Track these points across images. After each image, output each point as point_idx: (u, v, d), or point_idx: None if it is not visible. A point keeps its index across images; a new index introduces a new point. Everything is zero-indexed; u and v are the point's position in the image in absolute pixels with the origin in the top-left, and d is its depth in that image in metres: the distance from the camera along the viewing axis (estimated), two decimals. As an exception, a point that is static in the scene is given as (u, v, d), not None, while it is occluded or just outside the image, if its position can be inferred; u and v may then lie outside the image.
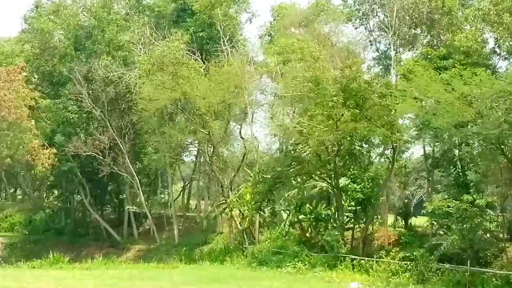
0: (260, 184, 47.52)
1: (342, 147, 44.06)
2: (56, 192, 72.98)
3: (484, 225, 39.64)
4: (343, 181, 44.91)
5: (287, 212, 51.58)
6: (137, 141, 61.05)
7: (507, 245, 39.46)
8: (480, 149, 43.64)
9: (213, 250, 52.50)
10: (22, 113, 46.48)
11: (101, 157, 54.88)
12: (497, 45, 48.99)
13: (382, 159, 53.62)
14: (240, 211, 51.95)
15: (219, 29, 56.94)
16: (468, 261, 36.08)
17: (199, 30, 58.80)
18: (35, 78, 61.91)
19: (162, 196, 73.78)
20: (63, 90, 57.46)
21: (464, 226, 37.14)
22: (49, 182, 68.78)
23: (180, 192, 74.67)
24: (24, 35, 64.44)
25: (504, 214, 44.54)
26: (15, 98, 46.14)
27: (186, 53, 52.03)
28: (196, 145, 62.62)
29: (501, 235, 41.53)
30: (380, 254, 42.40)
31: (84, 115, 57.55)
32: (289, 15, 58.04)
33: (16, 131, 47.79)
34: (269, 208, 51.85)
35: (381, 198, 48.31)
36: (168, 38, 52.10)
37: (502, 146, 37.13)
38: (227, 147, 59.64)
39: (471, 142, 42.83)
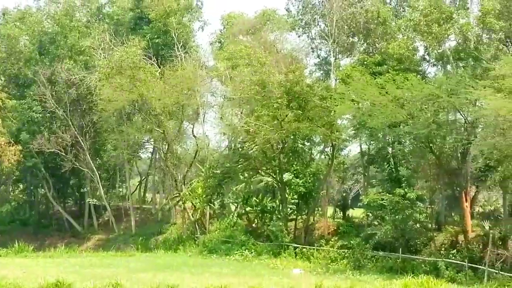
0: (210, 179, 50.16)
1: (286, 145, 47.44)
2: (21, 186, 73.98)
3: (414, 216, 42.39)
4: (286, 176, 48.14)
5: (235, 204, 54.96)
6: (97, 139, 62.71)
7: (435, 234, 42.81)
8: (411, 147, 46.87)
9: (167, 240, 54.49)
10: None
11: (64, 154, 56.51)
12: (426, 52, 51.75)
13: (323, 156, 57.06)
14: (192, 203, 54.57)
15: (173, 36, 59.54)
16: (400, 249, 39.02)
17: (155, 37, 61.09)
18: (1, 80, 63.61)
19: (120, 189, 74.96)
20: (28, 91, 58.83)
21: (396, 217, 40.06)
22: (14, 177, 69.44)
23: (137, 186, 76.49)
24: (-9, 40, 66.74)
25: (432, 206, 49.07)
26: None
27: (143, 58, 53.92)
28: (152, 143, 66.06)
29: (430, 225, 45.47)
30: (320, 243, 45.57)
31: (48, 114, 58.74)
32: (237, 24, 60.05)
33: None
34: (218, 200, 55.59)
35: (321, 192, 51.53)
36: (126, 44, 53.94)
37: (430, 145, 40.46)
38: (181, 144, 62.32)
39: (403, 140, 46.05)
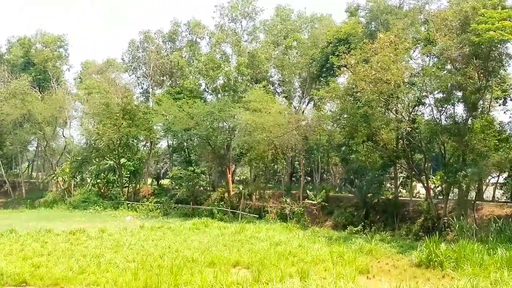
0: (74, 163, 63.40)
1: (122, 142, 60.23)
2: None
3: (200, 183, 55.96)
4: (122, 160, 60.62)
5: (90, 178, 65.30)
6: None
7: (211, 193, 56.03)
8: (197, 142, 58.46)
9: (46, 201, 63.80)
10: None
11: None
12: (206, 86, 64.45)
13: (145, 148, 69.19)
14: (62, 178, 67.26)
15: (50, 74, 73.21)
16: (191, 202, 52.40)
17: (38, 74, 73.83)
18: None
19: (16, 170, 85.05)
20: None
21: (189, 183, 53.48)
22: None
23: (26, 167, 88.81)
24: None
25: (210, 176, 62.60)
26: None
27: (30, 87, 66.52)
28: (36, 140, 77.98)
29: (208, 188, 58.40)
30: (143, 200, 58.94)
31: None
32: (91, 67, 73.89)
33: None
34: (79, 176, 67.66)
35: (144, 169, 64.40)
36: (19, 78, 66.24)
37: (209, 141, 52.76)
38: (55, 141, 73.73)
39: (193, 138, 57.97)
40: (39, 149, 75.36)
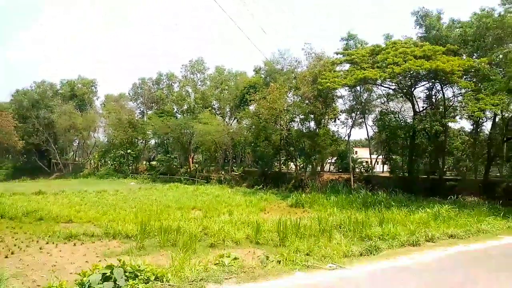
0: (100, 152, 61.65)
1: (128, 140, 57.10)
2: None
3: (173, 163, 53.02)
4: (129, 151, 56.64)
5: (110, 160, 60.05)
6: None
7: (180, 169, 52.61)
8: (172, 140, 54.81)
9: (84, 174, 58.07)
10: None
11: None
12: (177, 110, 58.63)
13: (142, 143, 64.03)
14: (93, 161, 62.19)
15: (86, 101, 66.73)
16: (168, 174, 49.86)
17: (79, 101, 65.86)
18: None
19: (67, 156, 71.84)
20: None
21: (167, 163, 51.34)
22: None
23: (72, 154, 74.78)
24: None
25: (179, 159, 55.96)
26: None
27: (75, 109, 61.37)
28: (78, 139, 67.57)
29: (179, 166, 54.60)
30: (141, 174, 54.02)
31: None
32: (111, 98, 66.95)
33: None
34: (103, 159, 62.08)
35: (141, 156, 61.49)
36: (67, 104, 61.61)
37: (179, 140, 50.80)
38: (89, 140, 68.03)
39: (169, 138, 54.91)
40: (79, 144, 70.20)
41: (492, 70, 26.67)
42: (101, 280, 6.30)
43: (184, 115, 56.73)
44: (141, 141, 63.80)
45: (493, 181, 29.42)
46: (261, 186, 38.06)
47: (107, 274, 6.39)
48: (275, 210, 24.66)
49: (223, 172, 46.58)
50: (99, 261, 9.49)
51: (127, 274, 6.34)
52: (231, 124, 54.95)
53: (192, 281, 6.17)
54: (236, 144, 50.13)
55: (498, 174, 33.98)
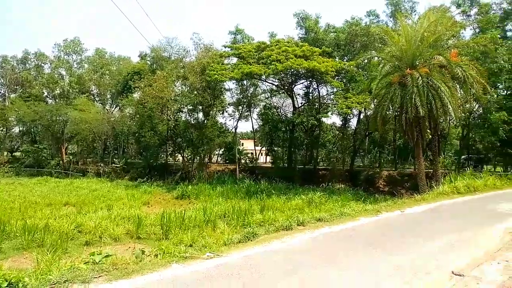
0: None
1: None
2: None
3: (42, 155, 46.52)
4: None
5: None
6: None
7: (51, 161, 46.05)
8: (41, 128, 50.03)
9: None
10: None
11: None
12: (47, 94, 53.06)
13: (2, 132, 56.99)
14: None
15: None
16: (36, 167, 44.93)
17: None
18: None
19: None
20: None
21: (35, 155, 45.73)
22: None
23: None
24: None
25: (50, 150, 49.34)
26: None
27: None
28: None
29: (49, 157, 47.73)
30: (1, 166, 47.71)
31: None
32: None
33: None
34: None
35: (1, 146, 55.67)
36: None
37: (49, 128, 46.32)
38: None
39: (37, 126, 49.67)
40: None
41: (358, 72, 30.52)
42: None
43: (57, 100, 51.31)
44: (0, 128, 55.19)
45: (357, 170, 33.90)
46: (145, 178, 36.77)
47: None
48: (160, 203, 24.24)
49: (102, 164, 43.60)
50: None
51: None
52: (112, 112, 51.66)
53: (54, 284, 5.59)
54: (118, 134, 47.52)
55: (361, 164, 39.25)
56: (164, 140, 40.47)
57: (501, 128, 27.36)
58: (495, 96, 29.07)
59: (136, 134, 42.56)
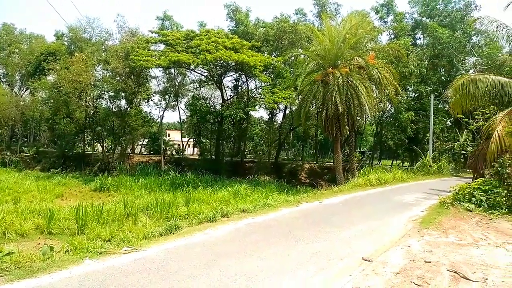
0: None
1: None
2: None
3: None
4: None
5: None
6: None
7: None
8: None
9: None
10: None
11: None
12: None
13: None
14: None
15: None
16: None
17: None
18: None
19: None
20: None
21: None
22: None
23: None
24: None
25: None
26: None
27: None
28: None
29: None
30: None
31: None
32: None
33: None
34: None
35: None
36: None
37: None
38: None
39: None
40: None
41: (285, 68, 31.47)
42: None
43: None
44: None
45: (282, 163, 35.14)
46: (59, 169, 34.09)
47: None
48: (76, 195, 22.66)
49: (8, 153, 39.28)
50: None
51: None
52: (22, 96, 46.83)
53: None
54: (29, 120, 43.45)
55: (285, 157, 40.75)
56: (82, 128, 37.86)
57: (409, 127, 30.54)
58: (405, 97, 32.37)
59: (50, 121, 39.40)
